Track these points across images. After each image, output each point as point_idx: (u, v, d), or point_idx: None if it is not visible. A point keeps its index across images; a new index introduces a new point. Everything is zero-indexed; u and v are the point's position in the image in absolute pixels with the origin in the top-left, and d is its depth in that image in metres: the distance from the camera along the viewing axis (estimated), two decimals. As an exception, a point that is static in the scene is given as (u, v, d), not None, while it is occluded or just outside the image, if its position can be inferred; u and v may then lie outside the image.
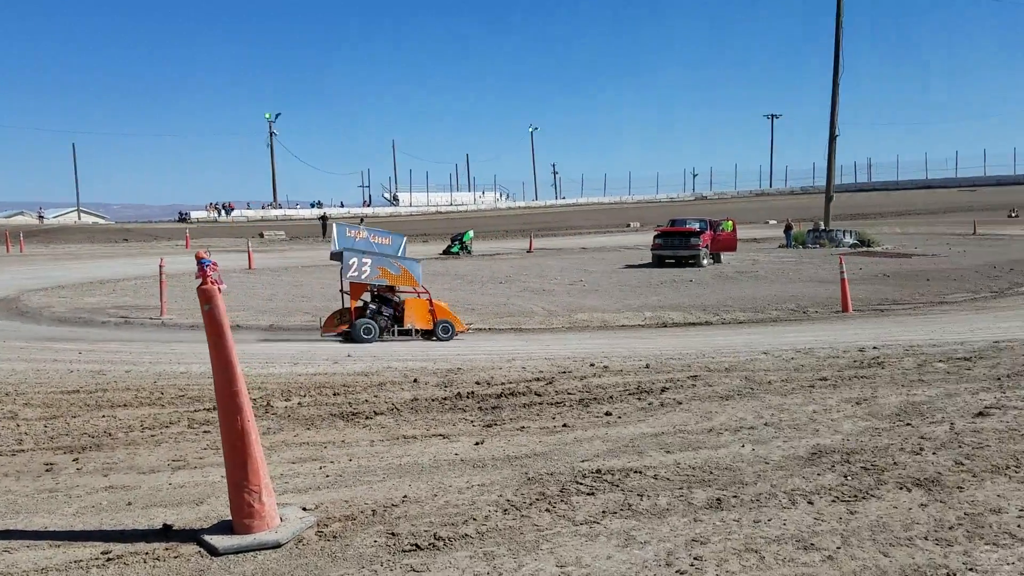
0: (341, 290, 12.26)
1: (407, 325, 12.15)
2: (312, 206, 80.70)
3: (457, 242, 34.53)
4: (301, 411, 5.78)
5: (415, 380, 7.03)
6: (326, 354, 9.46)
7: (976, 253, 29.68)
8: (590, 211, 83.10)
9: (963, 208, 59.70)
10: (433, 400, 6.09)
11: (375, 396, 6.29)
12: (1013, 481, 3.69)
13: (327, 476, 4.17)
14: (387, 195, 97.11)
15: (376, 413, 5.64)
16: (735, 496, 3.63)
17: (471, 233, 36.10)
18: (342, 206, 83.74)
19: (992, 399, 5.29)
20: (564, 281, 22.43)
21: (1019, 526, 3.17)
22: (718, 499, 3.59)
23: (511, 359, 8.37)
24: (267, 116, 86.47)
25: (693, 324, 14.60)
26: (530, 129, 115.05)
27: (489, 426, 5.21)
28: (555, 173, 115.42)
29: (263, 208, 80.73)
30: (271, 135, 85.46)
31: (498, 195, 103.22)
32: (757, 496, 3.62)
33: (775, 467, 4.04)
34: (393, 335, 12.03)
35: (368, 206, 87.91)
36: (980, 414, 4.90)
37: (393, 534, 3.30)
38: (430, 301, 12.32)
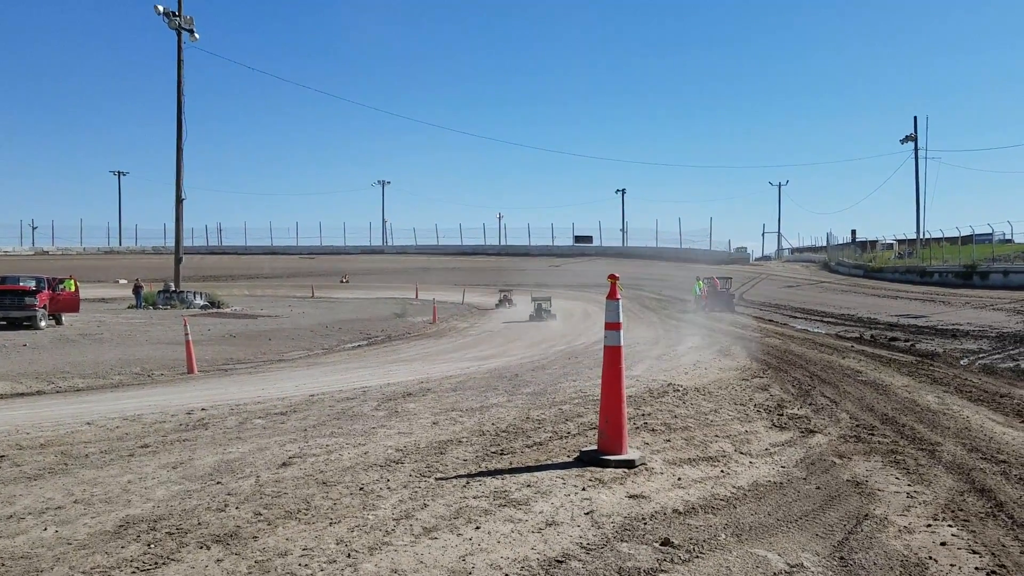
0: None
1: None
2: None
3: None
4: None
5: None
6: None
7: (313, 314, 33.13)
8: None
9: (304, 273, 66.13)
10: None
11: None
12: (302, 523, 4.20)
13: None
14: None
15: None
16: (26, 587, 3.37)
17: None
18: None
19: (297, 449, 5.94)
20: None
21: (300, 564, 3.63)
22: (4, 594, 3.29)
23: None
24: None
25: (23, 395, 13.07)
26: None
27: None
28: None
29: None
30: None
31: None
32: (52, 582, 3.42)
33: (78, 547, 3.87)
34: None
35: None
36: (284, 464, 5.46)
37: None
38: None
